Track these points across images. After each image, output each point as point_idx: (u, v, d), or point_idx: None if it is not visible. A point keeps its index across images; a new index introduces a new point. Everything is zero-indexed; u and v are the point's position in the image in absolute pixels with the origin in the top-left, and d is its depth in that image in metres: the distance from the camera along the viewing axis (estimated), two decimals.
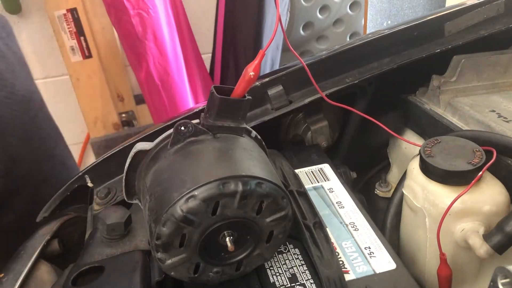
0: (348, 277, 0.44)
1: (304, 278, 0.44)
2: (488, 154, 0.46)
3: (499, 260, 0.44)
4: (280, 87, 0.61)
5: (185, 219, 0.37)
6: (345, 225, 0.50)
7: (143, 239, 0.49)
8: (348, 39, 1.84)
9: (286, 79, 0.61)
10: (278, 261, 0.46)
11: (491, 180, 0.47)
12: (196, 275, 0.41)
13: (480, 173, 0.44)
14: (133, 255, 0.47)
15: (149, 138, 0.56)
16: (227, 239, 0.39)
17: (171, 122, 0.60)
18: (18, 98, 0.71)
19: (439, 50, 0.62)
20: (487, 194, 0.45)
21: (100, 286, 0.43)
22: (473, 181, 0.44)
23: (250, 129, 0.47)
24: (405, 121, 0.68)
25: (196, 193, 0.37)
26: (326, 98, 0.57)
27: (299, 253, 0.46)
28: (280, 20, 0.45)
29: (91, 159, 1.70)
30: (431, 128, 0.61)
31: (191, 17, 1.43)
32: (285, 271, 0.45)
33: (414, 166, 0.50)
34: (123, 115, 1.63)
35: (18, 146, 0.71)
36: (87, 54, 1.47)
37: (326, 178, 0.57)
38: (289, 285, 0.43)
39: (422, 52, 0.63)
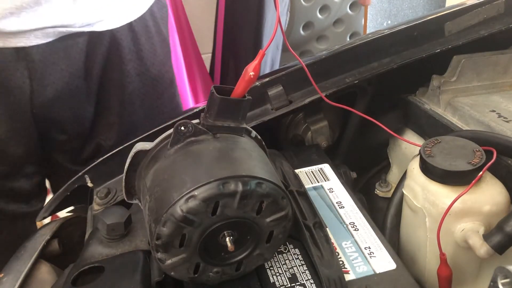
0: (348, 277, 0.44)
1: (304, 278, 0.44)
2: (488, 154, 0.46)
3: (499, 260, 0.44)
4: (280, 87, 0.61)
5: (185, 219, 0.37)
6: (345, 225, 0.50)
7: (143, 239, 0.49)
8: (348, 39, 1.84)
9: (286, 79, 0.61)
10: (278, 261, 0.46)
11: (491, 180, 0.47)
12: (196, 275, 0.41)
13: (481, 173, 0.44)
14: (133, 255, 0.47)
15: (149, 138, 0.56)
16: (227, 239, 0.39)
17: (171, 122, 0.60)
18: (151, 75, 0.80)
19: (439, 50, 0.62)
20: (487, 194, 0.45)
21: (100, 286, 0.43)
22: (473, 181, 0.44)
23: (250, 129, 0.47)
24: (405, 121, 0.68)
25: (196, 193, 0.37)
26: (325, 99, 0.57)
27: (299, 253, 0.46)
28: (279, 20, 0.44)
29: None
30: (431, 128, 0.61)
31: (191, 17, 1.43)
32: (285, 271, 0.45)
33: (414, 166, 0.50)
34: None
35: (142, 121, 0.81)
36: None
37: (326, 178, 0.57)
38: (289, 285, 0.43)
39: (422, 52, 0.62)
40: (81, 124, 0.77)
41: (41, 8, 0.62)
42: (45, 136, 0.75)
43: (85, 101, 0.76)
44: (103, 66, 0.74)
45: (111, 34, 0.73)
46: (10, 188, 0.74)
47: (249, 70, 0.42)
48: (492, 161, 0.45)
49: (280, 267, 0.45)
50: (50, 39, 0.65)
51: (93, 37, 0.71)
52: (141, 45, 0.78)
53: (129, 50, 0.77)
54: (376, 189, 0.67)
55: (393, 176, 0.69)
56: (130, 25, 0.76)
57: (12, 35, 0.62)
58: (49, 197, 0.80)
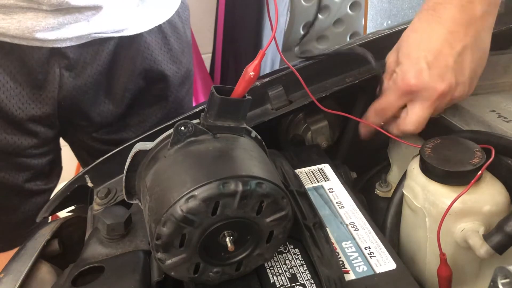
0: (348, 277, 0.44)
1: (304, 278, 0.44)
2: (488, 153, 0.46)
3: (499, 260, 0.44)
4: (280, 87, 0.61)
5: (185, 219, 0.37)
6: (345, 225, 0.50)
7: (143, 239, 0.49)
8: (348, 39, 1.84)
9: (286, 79, 0.61)
10: (278, 261, 0.46)
11: (491, 180, 0.47)
12: (196, 275, 0.41)
13: (479, 172, 0.44)
14: (133, 255, 0.47)
15: (149, 138, 0.56)
16: (227, 239, 0.39)
17: (171, 122, 0.60)
18: (181, 73, 0.86)
19: None
20: (487, 194, 0.45)
21: (100, 286, 0.43)
22: (472, 181, 0.44)
23: (250, 129, 0.47)
24: None
25: (196, 193, 0.37)
26: (318, 104, 0.57)
27: (299, 253, 0.46)
28: (271, 24, 0.44)
29: None
30: (431, 128, 0.61)
31: (191, 17, 1.43)
32: (285, 271, 0.45)
33: (414, 166, 0.50)
34: None
35: (173, 116, 0.86)
36: None
37: (326, 178, 0.57)
38: (289, 285, 0.43)
39: None
40: (103, 117, 0.82)
41: (79, 24, 0.68)
42: (68, 120, 0.80)
43: (106, 96, 0.80)
44: (133, 66, 0.79)
45: (142, 36, 0.77)
46: (29, 165, 0.79)
47: (249, 70, 0.42)
48: (491, 159, 0.45)
49: (280, 267, 0.45)
50: (83, 42, 0.71)
51: (123, 40, 0.75)
52: (170, 45, 0.83)
53: (159, 51, 0.81)
54: (376, 189, 0.67)
55: (393, 176, 0.69)
56: (159, 27, 0.80)
57: (51, 41, 0.68)
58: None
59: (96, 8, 0.68)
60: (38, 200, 0.83)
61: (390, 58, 0.57)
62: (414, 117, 0.53)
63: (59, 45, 0.68)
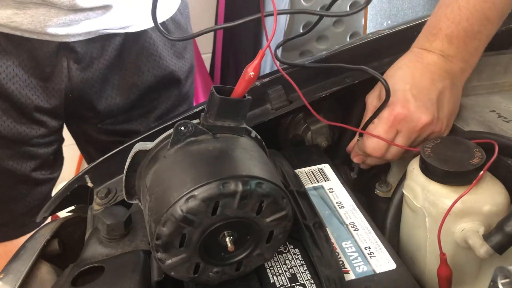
0: (348, 277, 0.44)
1: (304, 278, 0.44)
2: (489, 153, 0.46)
3: (499, 260, 0.44)
4: (280, 87, 0.61)
5: (185, 219, 0.37)
6: (345, 225, 0.50)
7: (143, 239, 0.49)
8: (348, 39, 1.84)
9: (286, 79, 0.61)
10: (278, 261, 0.46)
11: (491, 180, 0.47)
12: (196, 275, 0.41)
13: (481, 172, 0.44)
14: (133, 255, 0.47)
15: (149, 138, 0.56)
16: (227, 239, 0.39)
17: (171, 122, 0.60)
18: (185, 69, 0.89)
19: None
20: (487, 194, 0.45)
21: (100, 286, 0.43)
22: (475, 180, 0.44)
23: (250, 129, 0.47)
24: None
25: (196, 193, 0.37)
26: (311, 109, 0.55)
27: (299, 253, 0.46)
28: (266, 33, 0.44)
29: None
30: None
31: (191, 17, 1.43)
32: (285, 271, 0.45)
33: (414, 166, 0.50)
34: None
35: (176, 109, 0.92)
36: None
37: (326, 178, 0.57)
38: (289, 285, 0.43)
39: None
40: (110, 110, 0.84)
41: (89, 21, 0.71)
42: (74, 111, 0.82)
43: (112, 90, 0.82)
44: (139, 61, 0.82)
45: (147, 33, 0.80)
46: (35, 154, 0.81)
47: (249, 70, 0.42)
48: (494, 157, 0.45)
49: (280, 267, 0.45)
50: (90, 37, 0.73)
51: (129, 36, 0.78)
52: (174, 41, 0.86)
53: (164, 46, 0.84)
54: (376, 189, 0.67)
55: (393, 176, 0.69)
56: (163, 24, 0.82)
57: (61, 36, 0.70)
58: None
59: (106, 7, 0.71)
60: (43, 189, 0.85)
61: (371, 96, 0.59)
62: (396, 147, 0.55)
63: (68, 40, 0.71)
